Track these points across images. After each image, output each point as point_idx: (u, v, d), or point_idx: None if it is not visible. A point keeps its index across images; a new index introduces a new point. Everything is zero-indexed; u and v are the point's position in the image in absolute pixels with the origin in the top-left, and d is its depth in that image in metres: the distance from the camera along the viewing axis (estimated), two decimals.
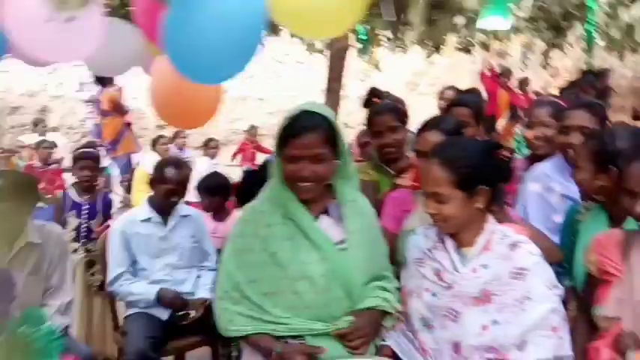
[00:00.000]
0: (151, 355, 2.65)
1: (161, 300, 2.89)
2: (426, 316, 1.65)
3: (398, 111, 2.58)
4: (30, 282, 2.66)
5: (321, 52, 5.36)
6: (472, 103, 2.82)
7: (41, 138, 7.35)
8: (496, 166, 1.63)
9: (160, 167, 3.01)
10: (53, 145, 6.78)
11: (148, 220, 3.01)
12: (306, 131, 1.66)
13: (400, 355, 1.68)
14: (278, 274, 1.70)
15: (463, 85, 4.73)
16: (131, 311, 2.97)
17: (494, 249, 1.60)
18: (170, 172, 2.94)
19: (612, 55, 6.25)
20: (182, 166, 3.01)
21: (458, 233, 1.65)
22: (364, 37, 4.69)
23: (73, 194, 3.73)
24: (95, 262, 3.46)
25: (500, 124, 8.39)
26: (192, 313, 2.90)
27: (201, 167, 6.44)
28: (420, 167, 1.98)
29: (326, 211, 1.78)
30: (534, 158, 2.52)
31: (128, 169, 7.05)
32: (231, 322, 1.72)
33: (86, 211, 3.67)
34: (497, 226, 1.65)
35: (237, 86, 12.65)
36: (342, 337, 1.68)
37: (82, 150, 3.95)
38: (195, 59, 1.64)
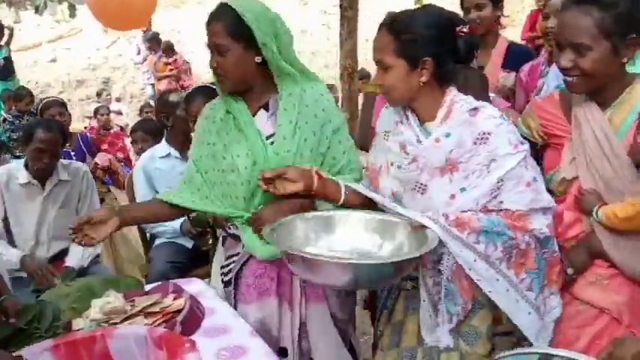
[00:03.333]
0: (171, 277, 2.83)
1: (181, 230, 3.06)
2: (396, 190, 1.64)
3: None
4: (61, 214, 2.92)
5: None
6: None
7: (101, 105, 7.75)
8: (446, 40, 1.55)
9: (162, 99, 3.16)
10: (107, 112, 7.13)
11: (167, 155, 3.17)
12: (211, 20, 1.71)
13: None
14: (215, 165, 1.82)
15: None
16: (158, 241, 3.18)
17: (454, 116, 1.56)
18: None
19: None
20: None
21: (416, 108, 1.62)
22: None
23: None
24: (104, 199, 3.70)
25: None
26: (211, 240, 3.04)
27: None
28: None
29: (266, 106, 1.81)
30: None
31: None
32: (181, 198, 1.86)
33: (72, 156, 3.89)
34: (457, 96, 1.59)
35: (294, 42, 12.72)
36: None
37: (46, 100, 4.19)
38: None
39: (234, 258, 1.90)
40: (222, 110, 1.82)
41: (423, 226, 1.49)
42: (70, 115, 4.24)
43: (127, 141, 5.92)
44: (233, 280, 1.88)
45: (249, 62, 1.71)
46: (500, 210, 1.51)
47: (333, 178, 1.71)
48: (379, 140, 1.73)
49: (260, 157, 1.75)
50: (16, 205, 2.86)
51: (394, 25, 1.56)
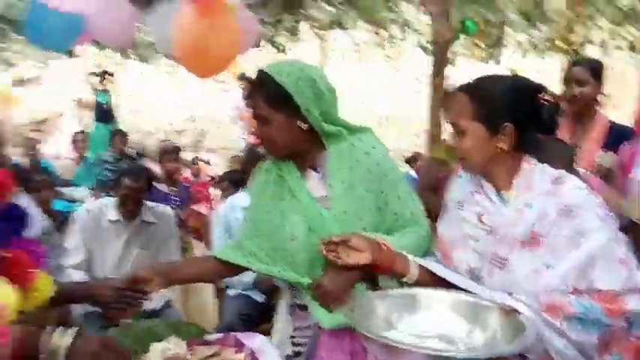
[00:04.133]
0: (237, 329, 2.80)
1: (256, 283, 3.06)
2: (473, 266, 1.52)
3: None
4: (142, 255, 3.01)
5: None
6: (591, 63, 2.76)
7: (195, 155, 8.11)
8: (527, 106, 1.47)
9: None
10: (200, 161, 7.45)
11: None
12: (251, 92, 1.67)
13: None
14: (272, 233, 1.72)
15: None
16: (231, 292, 3.19)
17: (536, 186, 1.46)
18: None
19: None
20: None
21: (492, 176, 1.52)
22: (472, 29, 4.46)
23: (161, 186, 4.15)
24: (187, 248, 3.77)
25: None
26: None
27: None
28: None
29: (316, 166, 1.72)
30: None
31: None
32: (239, 256, 1.78)
33: (176, 202, 4.04)
34: (537, 165, 1.50)
35: (383, 107, 12.91)
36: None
37: (167, 144, 4.39)
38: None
39: (307, 332, 1.78)
40: (275, 174, 1.74)
41: (514, 310, 1.36)
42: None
43: (213, 190, 6.14)
44: (306, 356, 1.77)
45: (293, 129, 1.63)
46: (592, 291, 1.38)
47: (401, 252, 1.56)
48: (452, 210, 1.62)
49: (316, 223, 1.65)
50: (102, 241, 2.98)
51: (472, 88, 1.51)
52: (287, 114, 1.61)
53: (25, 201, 1.98)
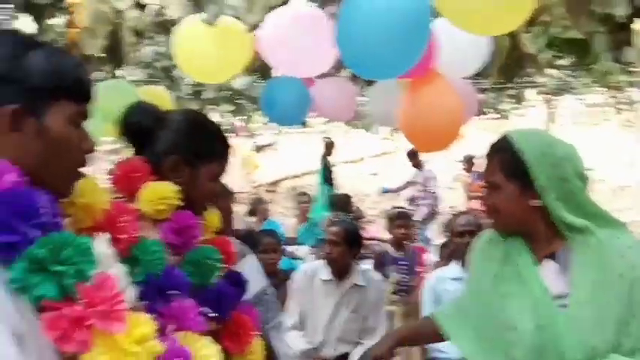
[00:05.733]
0: None
1: None
2: None
3: None
4: (350, 318, 3.07)
5: None
6: None
7: None
8: None
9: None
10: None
11: (458, 279, 3.09)
12: (488, 153, 1.56)
13: None
14: (490, 316, 1.54)
15: None
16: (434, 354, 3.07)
17: None
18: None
19: None
20: None
21: None
22: None
23: (391, 250, 4.13)
24: (410, 314, 3.70)
25: None
26: None
27: None
28: None
29: (553, 256, 1.51)
30: None
31: None
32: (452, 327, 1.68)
33: (405, 267, 4.00)
34: None
35: (617, 175, 11.68)
36: None
37: (397, 210, 4.40)
38: (363, 54, 1.80)
39: None
40: (501, 249, 1.57)
41: None
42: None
43: (427, 256, 6.08)
44: None
45: (522, 204, 1.49)
46: None
47: None
48: None
49: (546, 321, 1.44)
50: (314, 301, 3.09)
51: None
52: (520, 186, 1.49)
53: (252, 260, 2.11)
